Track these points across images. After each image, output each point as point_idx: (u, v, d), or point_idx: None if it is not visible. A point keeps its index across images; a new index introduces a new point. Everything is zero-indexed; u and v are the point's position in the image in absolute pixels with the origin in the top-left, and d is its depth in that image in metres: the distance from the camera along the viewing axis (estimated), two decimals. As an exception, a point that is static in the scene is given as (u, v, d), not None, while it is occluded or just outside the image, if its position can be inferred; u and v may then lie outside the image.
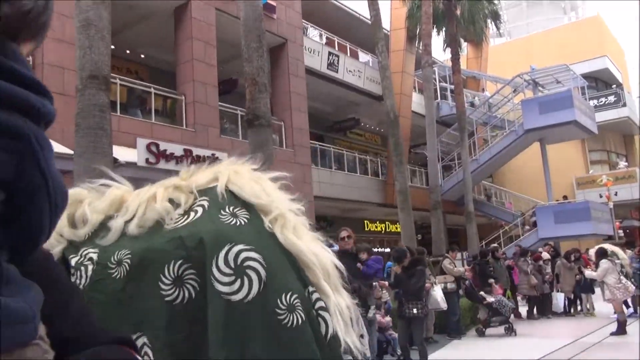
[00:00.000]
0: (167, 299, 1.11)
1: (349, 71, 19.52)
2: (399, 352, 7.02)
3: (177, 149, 11.14)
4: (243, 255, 1.14)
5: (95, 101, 5.07)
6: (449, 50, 20.76)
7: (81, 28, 5.17)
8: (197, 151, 11.52)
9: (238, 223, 1.21)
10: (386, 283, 6.26)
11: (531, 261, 12.28)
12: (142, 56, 15.64)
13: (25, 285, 0.55)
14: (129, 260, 1.15)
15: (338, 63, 18.99)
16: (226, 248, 1.13)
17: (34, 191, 0.53)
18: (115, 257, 1.15)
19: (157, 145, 10.71)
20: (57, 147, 8.77)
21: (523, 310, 12.20)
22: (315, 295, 1.22)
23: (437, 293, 8.82)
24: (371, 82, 20.22)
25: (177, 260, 1.13)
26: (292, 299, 1.14)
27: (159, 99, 13.71)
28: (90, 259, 1.16)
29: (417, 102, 21.99)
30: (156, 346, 1.09)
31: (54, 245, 1.17)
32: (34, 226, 0.54)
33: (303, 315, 1.14)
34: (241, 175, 1.32)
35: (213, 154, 11.64)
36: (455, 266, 10.45)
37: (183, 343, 1.10)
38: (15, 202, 0.51)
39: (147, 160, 10.37)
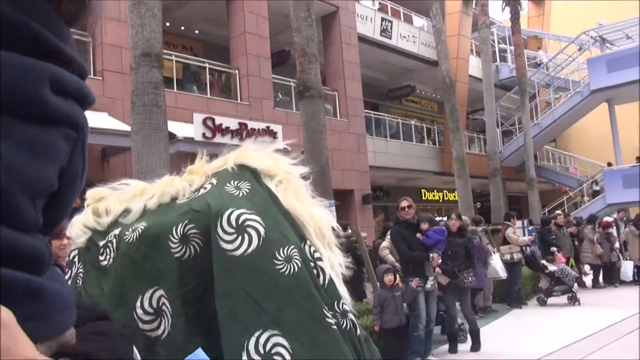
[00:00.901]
0: (176, 255, 1.28)
1: (403, 37, 19.06)
2: (459, 321, 6.97)
3: (233, 123, 11.32)
4: (244, 217, 1.27)
5: (148, 79, 5.21)
6: (508, 9, 19.84)
7: (132, 7, 5.28)
8: (252, 124, 11.68)
9: (241, 194, 1.35)
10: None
11: (599, 229, 11.81)
12: (196, 32, 15.86)
13: (54, 269, 0.57)
14: (142, 227, 1.31)
15: (391, 29, 18.57)
16: (228, 212, 1.27)
17: (75, 177, 0.54)
18: (132, 227, 1.32)
19: (212, 120, 10.92)
20: (118, 125, 9.13)
21: (588, 279, 11.79)
22: (312, 248, 1.34)
23: (496, 262, 8.65)
24: (426, 47, 19.69)
25: (183, 222, 1.29)
26: (289, 251, 1.27)
27: (213, 73, 13.92)
28: (115, 235, 1.34)
29: (474, 66, 21.25)
30: (171, 297, 1.26)
31: (79, 235, 1.36)
32: (66, 209, 0.56)
33: (299, 263, 1.26)
34: (248, 149, 1.47)
35: (268, 127, 11.77)
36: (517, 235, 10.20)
37: (192, 292, 1.28)
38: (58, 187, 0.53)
39: (203, 134, 10.61)
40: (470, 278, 6.78)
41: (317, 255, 1.34)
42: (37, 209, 0.49)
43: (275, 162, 1.44)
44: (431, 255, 6.08)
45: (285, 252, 1.26)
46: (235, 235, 1.25)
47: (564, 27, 25.67)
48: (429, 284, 6.15)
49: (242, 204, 1.31)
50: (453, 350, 6.50)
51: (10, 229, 0.45)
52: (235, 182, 1.39)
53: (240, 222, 1.26)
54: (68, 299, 0.51)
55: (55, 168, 0.50)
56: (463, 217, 7.84)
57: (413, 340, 5.97)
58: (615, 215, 13.57)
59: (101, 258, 1.33)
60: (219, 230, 1.26)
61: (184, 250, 1.28)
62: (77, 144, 0.53)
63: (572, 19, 27.47)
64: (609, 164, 22.29)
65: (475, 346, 6.47)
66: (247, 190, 1.37)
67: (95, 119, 8.64)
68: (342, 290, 1.36)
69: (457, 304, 7.02)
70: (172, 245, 1.28)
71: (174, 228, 1.29)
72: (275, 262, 1.25)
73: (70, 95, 0.51)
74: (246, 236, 1.25)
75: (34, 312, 0.46)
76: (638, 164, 19.93)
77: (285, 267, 1.25)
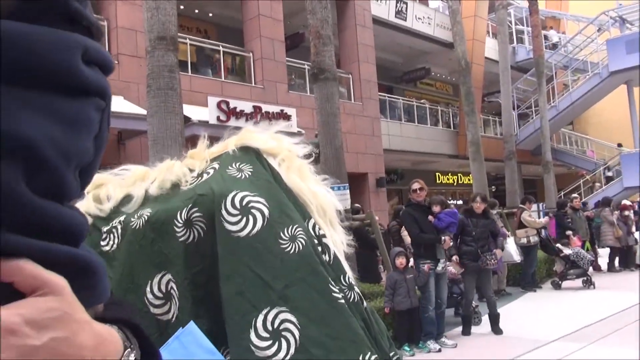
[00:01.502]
0: (181, 239, 1.29)
1: (418, 18, 18.83)
2: (474, 304, 6.99)
3: (247, 106, 11.34)
4: (247, 199, 1.29)
5: (164, 62, 5.24)
6: (525, -11, 19.48)
7: (147, -10, 5.30)
8: (266, 107, 11.69)
9: (243, 176, 1.37)
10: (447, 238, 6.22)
11: (616, 211, 11.72)
12: (210, 15, 15.83)
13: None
14: (148, 214, 1.33)
15: (406, 10, 18.35)
16: (232, 194, 1.29)
17: (102, 146, 0.55)
18: (137, 214, 1.34)
19: (227, 103, 10.95)
20: (133, 109, 9.19)
21: (603, 262, 11.72)
22: (316, 226, 1.36)
23: (511, 246, 8.63)
24: (442, 28, 19.45)
25: (187, 207, 1.30)
26: (294, 230, 1.28)
27: (228, 57, 13.91)
28: (120, 221, 1.35)
29: (491, 47, 20.95)
30: (179, 280, 1.27)
31: None
32: (92, 177, 0.57)
33: (304, 242, 1.28)
34: (249, 131, 1.47)
35: (282, 110, 11.77)
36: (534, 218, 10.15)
37: (199, 276, 1.28)
38: None
39: (218, 118, 10.65)
40: (492, 260, 6.77)
41: (321, 232, 1.36)
42: (77, 180, 0.51)
43: (277, 141, 1.45)
44: (443, 237, 6.09)
45: (289, 231, 1.28)
46: (239, 217, 1.26)
47: (583, 8, 25.15)
48: (439, 267, 6.17)
49: (246, 187, 1.32)
50: (466, 332, 6.54)
51: (58, 203, 0.48)
52: (237, 165, 1.40)
53: (244, 203, 1.28)
54: (105, 270, 0.54)
55: (91, 139, 0.52)
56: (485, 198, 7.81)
57: (424, 321, 6.02)
58: (639, 199, 13.41)
59: (103, 244, 1.35)
60: (224, 212, 1.27)
61: (188, 234, 1.29)
62: (105, 112, 0.54)
63: (591, -1, 26.91)
64: (619, 145, 21.99)
65: (496, 328, 6.50)
66: (250, 173, 1.38)
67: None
68: (346, 265, 1.38)
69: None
70: (177, 229, 1.30)
71: (179, 213, 1.30)
72: (281, 241, 1.26)
73: (95, 64, 0.52)
74: (250, 217, 1.26)
75: (85, 283, 0.49)
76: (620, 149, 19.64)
77: (290, 246, 1.26)
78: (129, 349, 0.51)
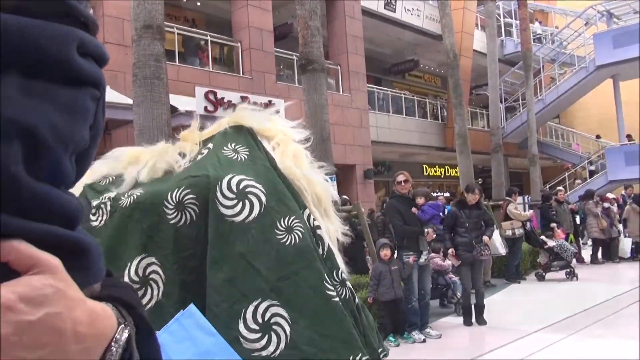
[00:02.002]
0: (172, 221, 1.25)
1: (407, 10, 18.81)
2: (458, 295, 7.05)
3: (235, 97, 11.29)
4: (244, 183, 1.25)
5: (150, 51, 5.19)
6: (514, -17, 19.52)
7: (134, -22, 5.23)
8: (254, 98, 11.63)
9: (239, 158, 1.32)
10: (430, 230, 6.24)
11: (600, 203, 11.89)
12: (198, 4, 15.68)
13: None
14: (138, 194, 1.28)
15: (396, 2, 18.33)
16: (229, 177, 1.24)
17: (97, 135, 0.57)
18: (127, 194, 1.30)
19: (214, 94, 10.89)
20: (120, 98, 9.11)
21: (587, 254, 11.88)
22: (311, 217, 1.32)
23: (496, 238, 8.71)
24: (431, 20, 19.45)
25: (180, 188, 1.25)
26: (291, 221, 1.25)
27: (215, 47, 13.81)
28: (110, 198, 1.32)
29: (479, 40, 21.00)
30: (167, 264, 1.23)
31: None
32: (89, 165, 0.60)
33: (301, 234, 1.25)
34: (243, 109, 1.44)
35: (270, 101, 11.73)
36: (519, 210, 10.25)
37: (190, 260, 1.24)
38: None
39: (205, 108, 10.59)
40: (486, 251, 6.82)
41: (316, 223, 1.32)
42: (74, 167, 0.54)
43: (272, 123, 1.41)
44: (426, 230, 6.13)
45: (286, 222, 1.24)
46: (235, 201, 1.22)
47: (571, 1, 25.28)
48: (422, 258, 6.21)
49: (243, 170, 1.28)
50: (468, 323, 6.58)
51: (55, 187, 0.50)
52: (233, 145, 1.35)
53: (241, 187, 1.24)
54: (100, 252, 0.56)
55: (87, 127, 0.54)
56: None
57: (408, 312, 6.08)
58: (623, 192, 13.59)
59: (93, 218, 1.31)
60: (218, 194, 1.23)
61: (179, 216, 1.25)
62: (100, 102, 0.56)
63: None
64: (598, 137, 22.23)
65: (480, 319, 6.57)
66: (246, 155, 1.34)
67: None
68: (339, 258, 1.35)
69: (455, 278, 7.11)
70: (168, 211, 1.25)
71: (169, 194, 1.26)
72: (277, 231, 1.23)
73: (91, 56, 0.54)
74: (247, 203, 1.23)
75: (80, 264, 0.51)
76: (629, 141, 19.88)
77: (286, 237, 1.23)
78: (123, 326, 0.53)
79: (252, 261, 1.20)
